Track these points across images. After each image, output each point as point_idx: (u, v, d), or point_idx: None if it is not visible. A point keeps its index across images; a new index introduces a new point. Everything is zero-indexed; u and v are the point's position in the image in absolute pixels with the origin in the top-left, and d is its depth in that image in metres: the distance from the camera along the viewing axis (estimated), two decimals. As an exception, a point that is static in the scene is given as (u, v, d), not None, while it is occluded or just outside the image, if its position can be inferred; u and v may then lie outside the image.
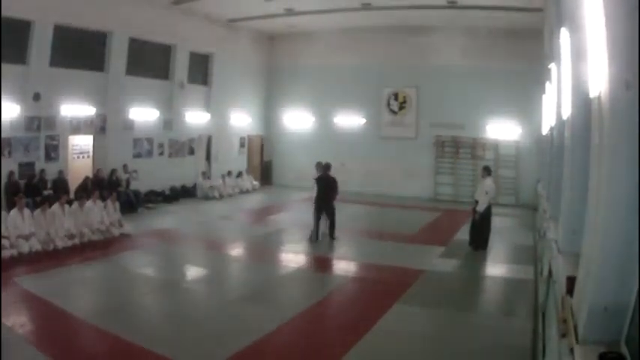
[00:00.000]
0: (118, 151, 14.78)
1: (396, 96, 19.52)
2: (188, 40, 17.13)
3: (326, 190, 11.15)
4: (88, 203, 10.88)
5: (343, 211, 14.32)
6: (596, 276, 2.40)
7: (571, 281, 3.06)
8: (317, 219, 11.18)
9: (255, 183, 20.06)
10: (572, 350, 2.52)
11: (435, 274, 9.11)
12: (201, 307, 7.41)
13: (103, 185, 13.20)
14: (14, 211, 9.50)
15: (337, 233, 11.42)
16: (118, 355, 5.59)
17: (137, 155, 15.64)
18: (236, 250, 11.29)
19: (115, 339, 5.86)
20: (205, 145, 18.72)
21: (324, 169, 11.49)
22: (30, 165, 12.34)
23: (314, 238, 11.17)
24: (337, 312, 7.54)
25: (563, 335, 2.90)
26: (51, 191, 12.16)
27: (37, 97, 12.37)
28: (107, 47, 14.38)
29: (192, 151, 17.97)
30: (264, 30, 20.56)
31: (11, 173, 11.73)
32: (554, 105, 7.79)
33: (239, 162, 20.25)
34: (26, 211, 9.69)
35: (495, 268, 9.88)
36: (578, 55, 4.19)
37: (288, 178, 20.92)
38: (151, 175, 15.60)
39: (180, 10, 16.23)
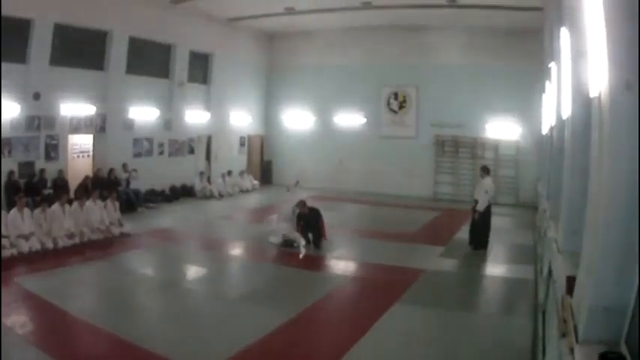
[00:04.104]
0: (117, 150, 14.77)
1: (396, 95, 19.50)
2: (188, 39, 17.12)
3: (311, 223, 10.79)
4: (88, 203, 10.88)
5: (342, 211, 14.28)
6: (596, 276, 2.41)
7: (571, 281, 3.06)
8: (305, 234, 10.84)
9: (255, 182, 20.06)
10: (572, 350, 2.52)
11: (434, 274, 9.11)
12: (202, 307, 7.40)
13: (103, 184, 13.20)
14: (14, 211, 9.51)
15: (338, 231, 11.85)
16: (117, 355, 5.58)
17: (137, 154, 15.64)
18: (236, 250, 11.29)
19: (115, 339, 5.87)
20: (205, 145, 18.72)
21: (302, 206, 10.93)
22: (30, 164, 12.33)
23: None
24: (337, 312, 7.54)
25: (563, 335, 2.90)
26: (51, 191, 12.16)
27: (37, 96, 12.37)
28: (107, 46, 14.37)
29: (192, 151, 17.96)
30: (264, 29, 20.54)
31: (11, 173, 11.73)
32: (554, 105, 7.78)
33: (239, 161, 20.24)
34: (26, 211, 9.69)
35: (495, 268, 9.87)
36: (578, 55, 4.20)
37: (288, 178, 20.92)
38: (150, 175, 15.59)
39: (180, 9, 16.21)
